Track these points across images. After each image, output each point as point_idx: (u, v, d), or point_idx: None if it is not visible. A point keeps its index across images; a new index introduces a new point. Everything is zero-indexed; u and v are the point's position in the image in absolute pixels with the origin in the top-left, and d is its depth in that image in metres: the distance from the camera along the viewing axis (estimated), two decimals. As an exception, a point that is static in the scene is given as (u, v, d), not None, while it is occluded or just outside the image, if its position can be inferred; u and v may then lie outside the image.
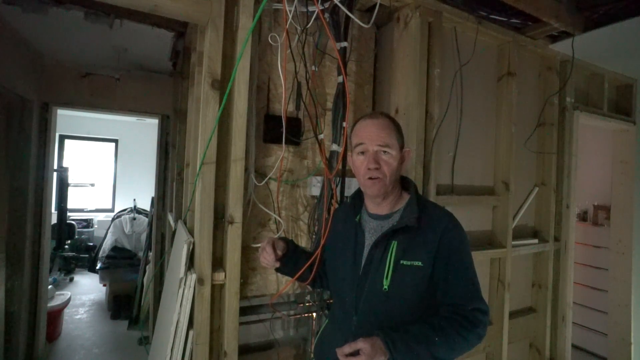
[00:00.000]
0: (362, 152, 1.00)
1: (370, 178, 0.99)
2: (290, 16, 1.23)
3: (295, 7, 1.31)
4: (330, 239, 1.16)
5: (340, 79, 1.52)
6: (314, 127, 1.57)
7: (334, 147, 1.51)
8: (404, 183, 1.09)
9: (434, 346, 0.87)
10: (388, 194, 1.02)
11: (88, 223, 5.30)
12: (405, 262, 0.95)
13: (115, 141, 5.75)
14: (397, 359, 0.84)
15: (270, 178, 1.49)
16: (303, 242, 1.62)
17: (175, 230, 1.89)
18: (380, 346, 0.84)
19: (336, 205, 1.54)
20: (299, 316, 1.62)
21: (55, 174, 3.29)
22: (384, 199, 1.03)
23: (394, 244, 0.97)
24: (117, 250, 4.12)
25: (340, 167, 1.52)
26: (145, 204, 4.65)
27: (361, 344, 0.84)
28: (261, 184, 1.46)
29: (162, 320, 1.54)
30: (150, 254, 3.29)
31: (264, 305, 1.55)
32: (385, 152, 0.98)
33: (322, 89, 1.65)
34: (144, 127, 5.58)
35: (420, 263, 0.94)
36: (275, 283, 1.55)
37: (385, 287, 0.95)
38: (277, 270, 1.17)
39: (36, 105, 2.52)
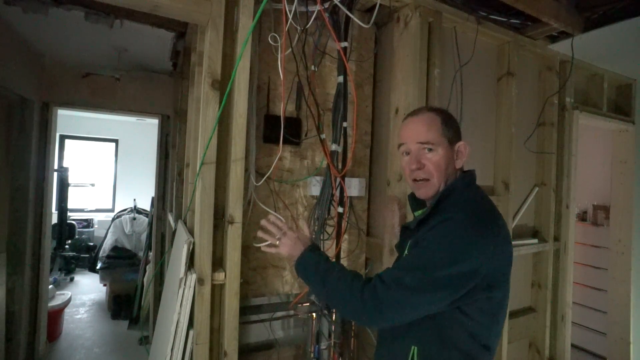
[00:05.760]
0: (407, 153, 0.95)
1: (415, 180, 0.93)
2: (290, 16, 1.24)
3: (295, 7, 1.31)
4: None
5: (340, 79, 1.52)
6: (316, 127, 1.57)
7: (334, 147, 1.51)
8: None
9: (321, 279, 0.90)
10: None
11: (88, 223, 5.31)
12: None
13: (116, 141, 5.75)
14: (296, 267, 0.95)
15: (269, 178, 1.49)
16: (303, 242, 1.62)
17: (175, 230, 1.89)
18: (298, 250, 0.96)
19: (337, 206, 1.54)
20: (300, 316, 1.62)
21: (55, 174, 3.29)
22: None
23: (409, 243, 0.93)
24: (117, 250, 4.12)
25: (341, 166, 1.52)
26: (145, 204, 4.65)
27: (286, 240, 0.97)
28: (259, 183, 1.46)
29: (162, 320, 1.54)
30: (150, 254, 3.30)
31: (264, 305, 1.55)
32: (429, 149, 0.90)
33: (322, 89, 1.66)
34: (144, 127, 5.58)
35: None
36: (276, 283, 1.56)
37: None
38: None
39: (36, 105, 2.52)
